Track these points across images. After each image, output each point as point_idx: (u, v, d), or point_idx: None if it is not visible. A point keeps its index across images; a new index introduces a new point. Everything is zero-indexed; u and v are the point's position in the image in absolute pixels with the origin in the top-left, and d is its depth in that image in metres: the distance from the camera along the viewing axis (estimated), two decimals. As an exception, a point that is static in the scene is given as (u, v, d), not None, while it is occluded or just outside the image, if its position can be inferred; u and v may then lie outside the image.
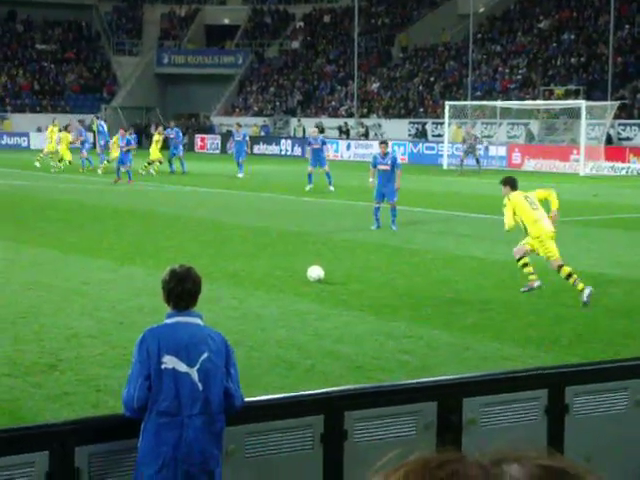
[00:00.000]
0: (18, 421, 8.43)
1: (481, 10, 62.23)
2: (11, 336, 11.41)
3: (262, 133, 59.71)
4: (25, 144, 60.66)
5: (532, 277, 14.04)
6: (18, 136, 60.85)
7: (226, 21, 73.83)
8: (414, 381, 6.84)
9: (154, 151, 39.26)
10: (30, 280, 15.02)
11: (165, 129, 41.61)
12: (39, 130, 62.03)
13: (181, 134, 41.70)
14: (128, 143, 35.03)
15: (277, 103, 64.44)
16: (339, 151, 54.28)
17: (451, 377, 6.99)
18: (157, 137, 40.02)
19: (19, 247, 18.51)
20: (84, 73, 70.52)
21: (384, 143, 22.99)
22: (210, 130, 63.26)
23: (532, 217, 14.04)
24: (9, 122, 62.24)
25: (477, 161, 42.30)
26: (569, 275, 13.88)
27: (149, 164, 39.00)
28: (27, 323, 12.11)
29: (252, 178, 37.35)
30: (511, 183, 14.35)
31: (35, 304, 13.24)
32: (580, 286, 13.55)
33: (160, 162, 39.25)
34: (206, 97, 66.16)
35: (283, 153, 55.84)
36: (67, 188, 32.34)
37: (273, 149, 56.66)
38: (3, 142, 59.90)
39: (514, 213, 14.02)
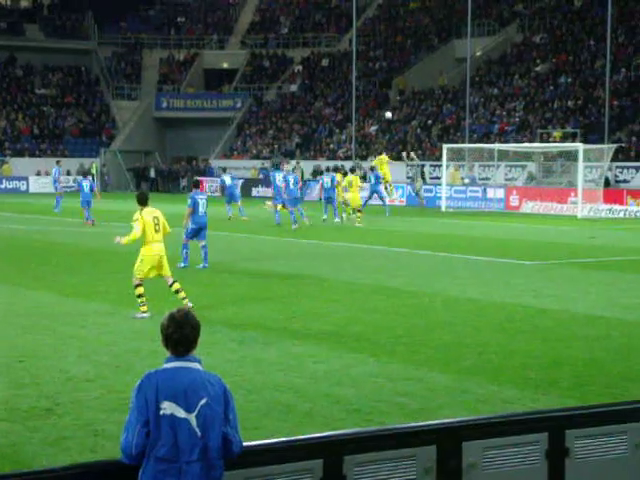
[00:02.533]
0: (16, 466, 8.38)
1: (478, 54, 62.68)
2: (8, 380, 11.38)
3: (260, 176, 59.87)
4: (24, 188, 60.84)
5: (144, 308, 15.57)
6: (17, 180, 61.03)
7: (225, 65, 74.37)
8: (413, 424, 6.81)
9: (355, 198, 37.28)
10: (29, 323, 15.00)
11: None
12: (38, 174, 62.27)
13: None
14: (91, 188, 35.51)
15: (276, 146, 64.70)
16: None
17: (450, 420, 6.95)
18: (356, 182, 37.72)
19: (17, 290, 18.51)
20: (83, 117, 70.86)
21: None
22: (209, 173, 63.46)
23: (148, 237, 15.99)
24: (8, 166, 62.44)
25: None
26: (177, 291, 16.27)
27: None
28: (24, 367, 12.07)
29: (250, 221, 37.42)
30: (140, 199, 16.18)
31: (32, 347, 13.21)
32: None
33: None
34: (205, 140, 66.47)
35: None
36: (64, 231, 32.34)
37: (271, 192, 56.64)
38: (2, 186, 60.08)
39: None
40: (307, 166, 59.54)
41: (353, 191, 37.32)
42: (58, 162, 46.34)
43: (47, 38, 74.07)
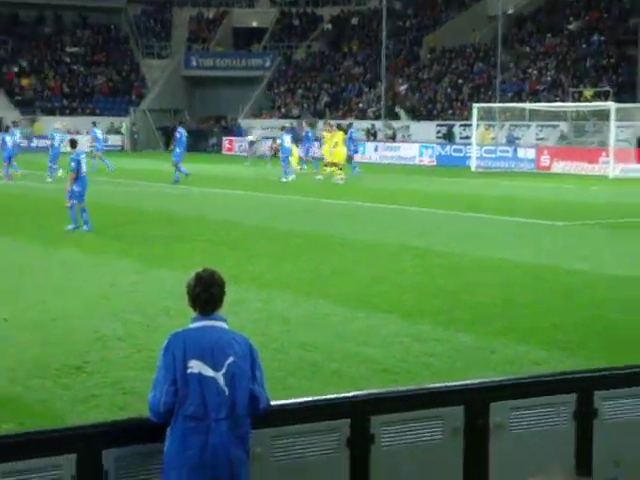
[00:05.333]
0: (46, 422, 8.48)
1: (510, 11, 61.99)
2: (40, 338, 11.48)
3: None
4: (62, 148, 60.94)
5: None
6: (47, 139, 61.11)
7: (254, 24, 73.99)
8: (441, 385, 6.80)
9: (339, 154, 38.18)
10: (60, 283, 15.11)
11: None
12: (69, 132, 62.40)
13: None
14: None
15: (305, 105, 64.48)
16: (367, 153, 54.22)
17: (478, 381, 6.95)
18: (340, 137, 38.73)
19: (49, 250, 18.63)
20: (113, 76, 70.89)
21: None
22: (238, 133, 63.39)
23: None
24: (39, 125, 62.57)
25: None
26: None
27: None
28: (56, 326, 12.18)
29: (278, 180, 37.42)
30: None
31: (64, 307, 13.31)
32: None
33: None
34: (233, 99, 66.30)
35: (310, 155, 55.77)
36: (97, 190, 32.47)
37: (300, 151, 56.57)
38: (33, 144, 60.23)
39: None
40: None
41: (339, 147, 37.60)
42: (94, 123, 46.22)
43: (77, -4, 73.97)
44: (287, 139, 38.36)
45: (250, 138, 49.74)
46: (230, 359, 5.38)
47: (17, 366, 10.24)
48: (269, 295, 14.27)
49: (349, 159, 39.94)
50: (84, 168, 21.55)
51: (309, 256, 18.23)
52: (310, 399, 6.39)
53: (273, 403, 5.69)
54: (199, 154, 54.39)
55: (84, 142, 41.01)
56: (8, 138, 36.68)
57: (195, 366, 5.33)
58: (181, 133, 36.60)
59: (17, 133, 38.90)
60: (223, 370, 5.36)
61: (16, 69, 68.07)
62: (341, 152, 37.73)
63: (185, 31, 74.33)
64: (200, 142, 62.35)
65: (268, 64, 69.57)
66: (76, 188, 21.24)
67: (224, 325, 5.52)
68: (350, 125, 43.71)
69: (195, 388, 5.31)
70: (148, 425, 5.44)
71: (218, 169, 44.07)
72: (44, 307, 13.28)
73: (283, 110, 64.80)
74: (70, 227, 21.32)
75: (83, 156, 21.90)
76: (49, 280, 15.41)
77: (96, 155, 42.28)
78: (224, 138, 63.43)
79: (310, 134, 44.34)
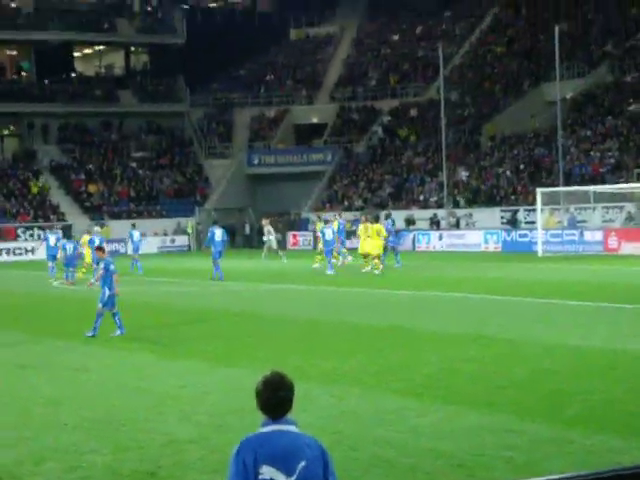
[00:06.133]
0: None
1: (568, 96, 62.10)
2: (112, 444, 11.48)
3: (353, 227, 60.01)
4: (123, 250, 61.91)
5: None
6: (117, 242, 62.18)
7: (314, 120, 75.08)
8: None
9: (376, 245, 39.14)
10: (130, 385, 15.18)
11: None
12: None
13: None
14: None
15: (368, 196, 64.88)
16: (431, 242, 54.19)
17: (559, 476, 6.78)
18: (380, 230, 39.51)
19: (122, 354, 18.74)
20: (178, 178, 72.20)
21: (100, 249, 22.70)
22: (302, 227, 63.87)
23: None
24: (108, 229, 63.76)
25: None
26: None
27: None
28: (127, 430, 12.18)
29: (343, 273, 37.46)
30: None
31: (134, 410, 13.35)
32: None
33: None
34: (296, 195, 67.01)
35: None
36: (154, 291, 32.81)
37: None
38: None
39: None
40: (399, 215, 59.54)
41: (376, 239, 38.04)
42: (134, 225, 47.10)
43: (140, 103, 75.88)
44: (329, 232, 38.64)
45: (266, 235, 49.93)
46: (302, 464, 5.33)
47: (89, 474, 10.23)
48: (338, 390, 14.18)
49: (392, 250, 40.19)
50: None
51: (377, 349, 18.12)
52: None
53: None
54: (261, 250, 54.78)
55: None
56: (69, 245, 37.37)
57: (267, 472, 5.28)
58: (212, 232, 37.66)
59: (96, 240, 39.63)
60: (295, 475, 5.31)
61: (83, 176, 69.69)
62: (376, 244, 37.98)
63: (247, 130, 75.64)
64: (261, 238, 62.83)
65: (329, 158, 70.34)
66: (109, 292, 21.23)
67: (295, 429, 5.48)
68: (388, 215, 43.90)
69: (268, 494, 5.26)
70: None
71: (286, 263, 44.28)
72: (113, 410, 13.33)
73: (346, 203, 65.23)
74: (118, 332, 21.12)
75: (112, 260, 22.06)
76: (116, 382, 15.49)
77: (132, 257, 42.87)
78: (288, 233, 63.94)
79: (342, 226, 44.12)
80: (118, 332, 21.07)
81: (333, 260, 39.10)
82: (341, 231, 41.51)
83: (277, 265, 42.23)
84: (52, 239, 40.78)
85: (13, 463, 10.77)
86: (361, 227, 39.18)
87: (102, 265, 21.47)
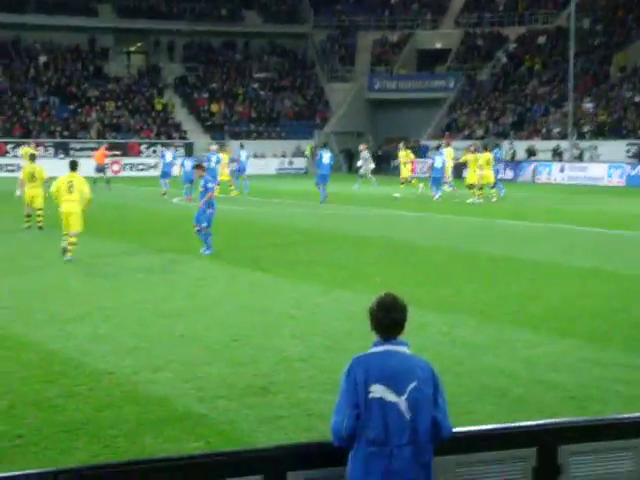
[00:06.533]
0: (233, 442, 8.62)
1: None
2: (227, 358, 11.70)
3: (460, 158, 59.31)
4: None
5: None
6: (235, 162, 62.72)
7: (438, 45, 73.91)
8: (632, 415, 6.52)
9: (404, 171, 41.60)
10: (245, 303, 15.40)
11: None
12: (255, 156, 63.96)
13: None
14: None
15: (489, 125, 63.87)
16: (552, 174, 53.15)
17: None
18: (408, 156, 41.65)
19: (237, 271, 19.03)
20: (298, 100, 72.27)
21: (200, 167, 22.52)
22: (421, 154, 63.32)
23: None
24: (229, 149, 64.36)
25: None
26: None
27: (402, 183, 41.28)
28: (241, 345, 12.39)
29: (447, 202, 37.11)
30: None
31: (249, 326, 13.56)
32: None
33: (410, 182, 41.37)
34: (416, 121, 66.35)
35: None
36: (277, 212, 33.08)
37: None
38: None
39: None
40: (521, 146, 58.50)
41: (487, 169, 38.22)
42: (242, 145, 47.35)
43: (264, 23, 75.87)
44: (439, 160, 39.23)
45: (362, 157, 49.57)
46: (413, 384, 5.33)
47: (204, 385, 10.47)
48: (452, 318, 14.13)
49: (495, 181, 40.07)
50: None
51: (494, 279, 17.94)
52: (495, 426, 6.25)
53: (458, 429, 5.59)
54: (381, 176, 54.60)
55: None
56: (187, 163, 37.89)
57: (377, 391, 5.30)
58: (320, 155, 38.48)
59: (212, 158, 40.15)
60: (405, 395, 5.31)
61: (206, 95, 70.34)
62: (485, 174, 37.78)
63: (369, 54, 75.00)
64: (383, 164, 62.63)
65: (451, 85, 69.31)
66: (209, 210, 21.37)
67: (406, 350, 5.47)
68: (497, 146, 43.59)
69: (377, 413, 5.28)
70: (332, 448, 5.44)
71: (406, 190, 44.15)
72: (229, 326, 13.56)
73: (466, 132, 64.36)
74: (207, 251, 21.15)
75: (210, 178, 22.28)
76: (234, 299, 15.74)
77: (240, 177, 43.22)
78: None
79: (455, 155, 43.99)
80: (208, 251, 21.16)
81: (420, 186, 40.75)
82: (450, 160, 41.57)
83: (388, 191, 42.04)
84: (168, 156, 41.85)
85: (131, 370, 11.08)
86: (470, 157, 38.72)
87: (202, 182, 21.65)
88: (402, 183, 41.35)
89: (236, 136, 66.08)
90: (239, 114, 69.58)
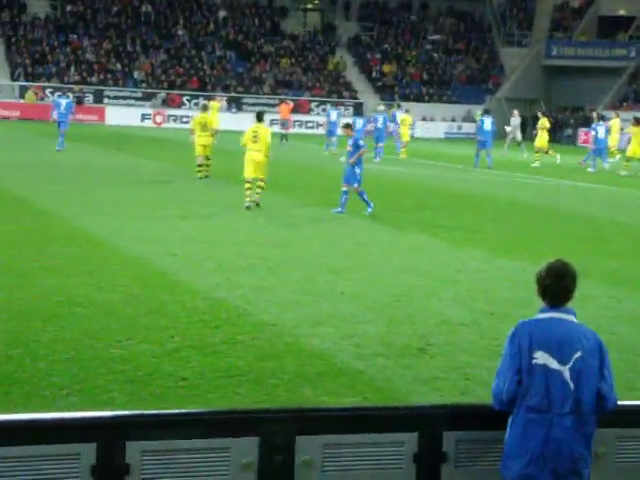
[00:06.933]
0: (389, 399, 8.70)
1: None
2: (386, 317, 11.76)
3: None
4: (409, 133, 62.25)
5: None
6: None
7: (621, 12, 71.45)
8: None
9: (540, 139, 40.61)
10: (406, 264, 15.42)
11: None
12: (423, 119, 63.62)
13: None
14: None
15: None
16: None
17: None
18: (543, 124, 40.75)
19: (398, 233, 19.05)
20: (472, 64, 71.33)
21: (348, 127, 22.01)
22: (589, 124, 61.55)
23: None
24: (390, 111, 64.17)
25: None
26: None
27: (536, 152, 40.40)
28: (401, 306, 12.43)
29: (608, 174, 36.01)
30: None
31: (410, 288, 13.57)
32: None
33: (546, 152, 40.45)
34: (593, 90, 64.47)
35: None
36: (443, 176, 32.85)
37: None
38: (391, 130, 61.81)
39: None
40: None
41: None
42: (332, 104, 46.85)
43: (443, -15, 75.08)
44: (601, 130, 38.77)
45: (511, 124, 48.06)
46: (577, 354, 5.25)
47: (363, 343, 10.56)
48: (618, 292, 13.79)
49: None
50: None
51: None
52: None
53: (620, 402, 5.49)
54: (557, 144, 53.48)
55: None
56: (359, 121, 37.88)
57: (541, 357, 5.24)
58: (482, 121, 38.16)
59: (379, 119, 40.11)
60: (569, 364, 5.23)
61: (379, 55, 70.24)
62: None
63: (548, 20, 73.22)
64: (556, 133, 61.28)
65: (633, 54, 67.00)
66: (357, 170, 21.20)
67: (573, 319, 5.38)
68: None
69: (539, 379, 5.22)
70: (490, 412, 5.42)
71: (571, 160, 43.07)
72: (389, 286, 13.61)
73: (645, 103, 62.22)
74: (338, 210, 21.08)
75: (360, 136, 22.43)
76: (395, 259, 15.77)
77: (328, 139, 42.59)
78: (580, 130, 61.94)
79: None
80: (369, 210, 21.13)
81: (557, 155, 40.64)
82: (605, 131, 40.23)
83: (546, 159, 41.09)
84: (333, 115, 42.22)
85: (292, 324, 11.28)
86: (635, 129, 37.51)
87: (350, 142, 21.60)
88: (537, 152, 40.40)
89: (406, 98, 65.78)
90: (411, 76, 69.24)
